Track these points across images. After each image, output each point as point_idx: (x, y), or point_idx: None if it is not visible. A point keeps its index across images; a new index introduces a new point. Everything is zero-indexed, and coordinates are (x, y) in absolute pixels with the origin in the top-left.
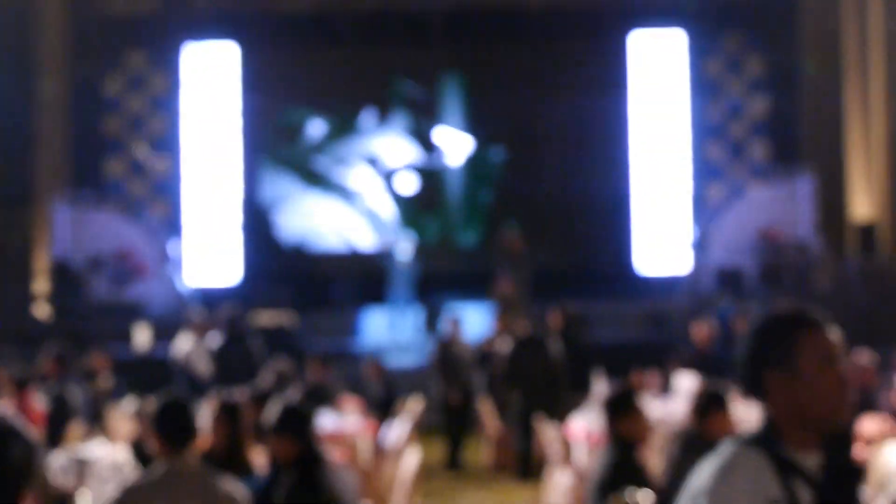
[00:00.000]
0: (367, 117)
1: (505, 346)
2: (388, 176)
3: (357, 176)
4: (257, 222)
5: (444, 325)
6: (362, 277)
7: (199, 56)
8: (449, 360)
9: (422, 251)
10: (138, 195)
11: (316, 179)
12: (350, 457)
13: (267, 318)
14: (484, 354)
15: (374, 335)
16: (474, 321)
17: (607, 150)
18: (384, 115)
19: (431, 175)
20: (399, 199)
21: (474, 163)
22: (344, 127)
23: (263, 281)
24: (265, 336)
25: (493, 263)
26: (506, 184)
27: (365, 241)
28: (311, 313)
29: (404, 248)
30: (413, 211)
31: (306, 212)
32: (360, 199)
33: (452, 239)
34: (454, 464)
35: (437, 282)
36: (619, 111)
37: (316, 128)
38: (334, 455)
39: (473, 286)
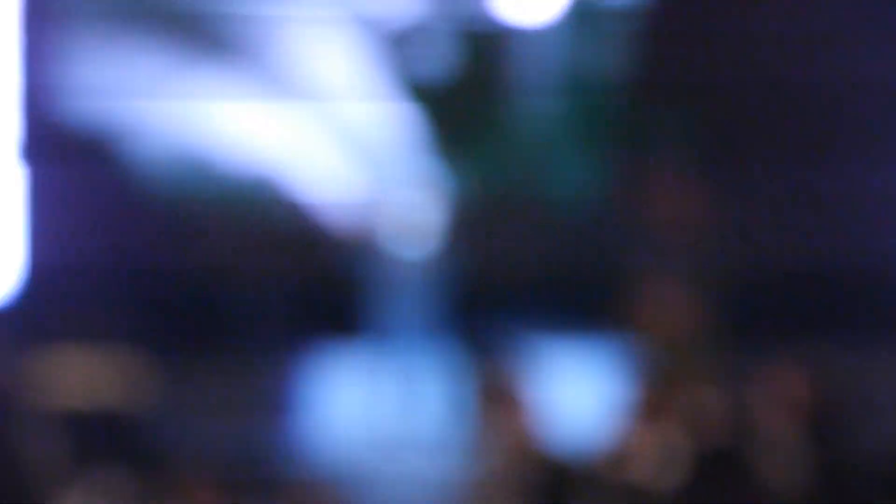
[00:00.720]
0: None
1: (663, 466)
2: (386, 44)
3: (308, 45)
4: (57, 145)
5: (486, 401)
6: (308, 282)
7: None
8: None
9: (459, 222)
10: None
11: (208, 46)
12: None
13: (78, 378)
14: (600, 480)
15: (331, 422)
16: (577, 394)
17: None
18: None
19: (484, 46)
20: (411, 101)
21: (581, 17)
22: None
23: (71, 284)
24: (71, 425)
25: (629, 249)
26: (660, 64)
27: (321, 198)
28: (185, 365)
29: (415, 216)
30: (441, 130)
31: (188, 123)
32: (316, 101)
33: (529, 190)
34: None
35: (491, 293)
36: None
37: None
38: None
39: (579, 303)
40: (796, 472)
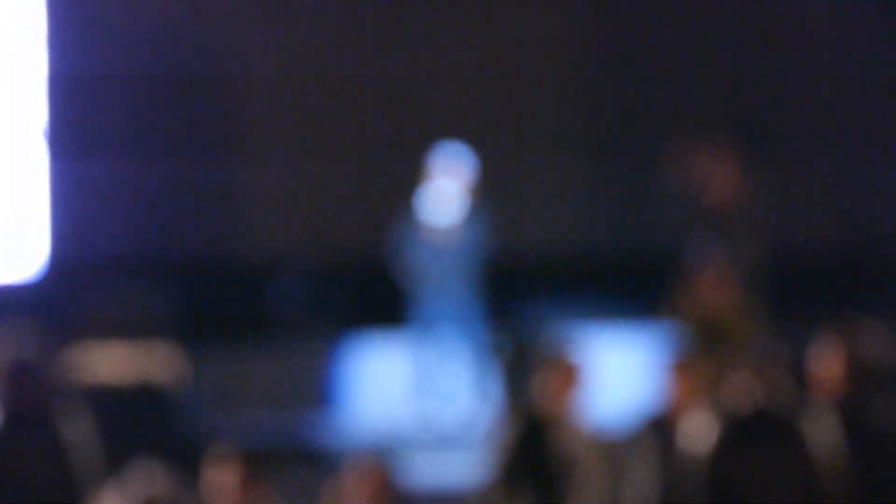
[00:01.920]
0: None
1: (701, 435)
2: None
3: None
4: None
5: (533, 380)
6: (349, 272)
7: None
8: (539, 464)
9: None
10: None
11: None
12: None
13: (111, 360)
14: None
15: (369, 405)
16: (619, 374)
17: None
18: None
19: None
20: None
21: None
22: None
23: (103, 269)
24: (108, 404)
25: (672, 235)
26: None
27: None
28: (218, 351)
29: (450, 201)
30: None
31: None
32: None
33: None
34: None
35: (529, 277)
36: None
37: None
38: None
39: (620, 289)
40: (836, 450)
